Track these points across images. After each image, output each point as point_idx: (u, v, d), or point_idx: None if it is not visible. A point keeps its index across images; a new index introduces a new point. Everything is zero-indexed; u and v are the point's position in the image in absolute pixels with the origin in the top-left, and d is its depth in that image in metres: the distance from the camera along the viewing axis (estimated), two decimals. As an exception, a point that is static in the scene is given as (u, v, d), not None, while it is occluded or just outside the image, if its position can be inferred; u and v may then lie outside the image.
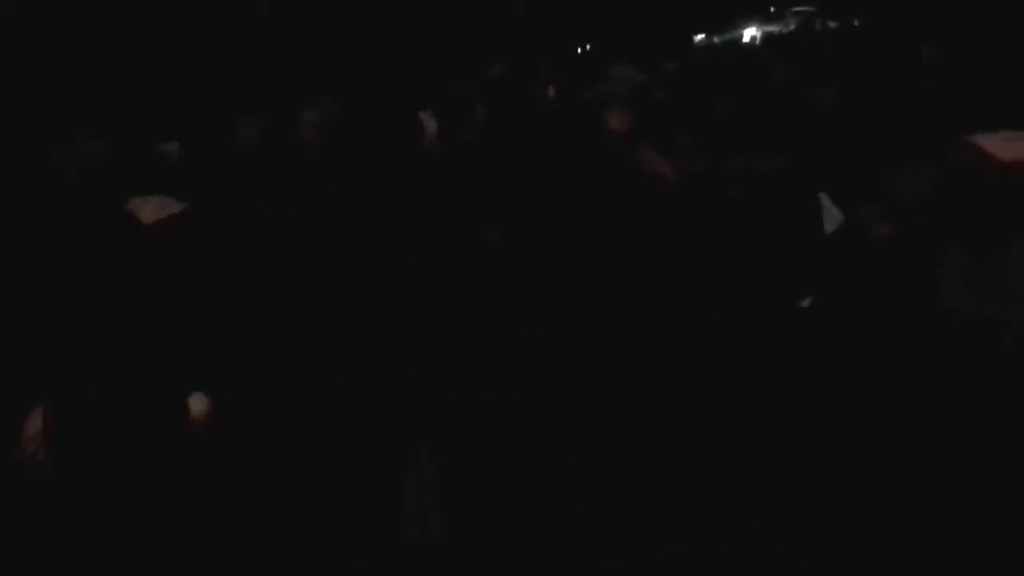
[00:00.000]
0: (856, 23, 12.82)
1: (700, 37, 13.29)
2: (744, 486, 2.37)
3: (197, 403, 2.51)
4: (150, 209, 2.84)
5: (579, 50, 12.65)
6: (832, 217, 3.26)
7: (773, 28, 15.12)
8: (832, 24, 13.48)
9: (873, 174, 2.66)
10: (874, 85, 4.63)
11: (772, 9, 17.08)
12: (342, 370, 2.63)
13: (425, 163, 3.51)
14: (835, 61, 6.18)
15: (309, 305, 2.78)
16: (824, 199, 3.25)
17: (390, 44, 8.25)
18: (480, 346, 2.72)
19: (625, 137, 3.05)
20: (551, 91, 7.16)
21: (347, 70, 6.68)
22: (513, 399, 2.63)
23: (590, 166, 3.04)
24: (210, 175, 3.39)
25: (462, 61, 8.50)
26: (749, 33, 14.54)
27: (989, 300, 1.18)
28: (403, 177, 3.19)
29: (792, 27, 14.72)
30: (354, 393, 2.58)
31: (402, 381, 2.63)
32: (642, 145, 3.06)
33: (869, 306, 2.24)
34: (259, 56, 7.39)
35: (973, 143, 3.16)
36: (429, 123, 4.46)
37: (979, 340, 1.17)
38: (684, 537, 2.37)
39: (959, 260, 1.26)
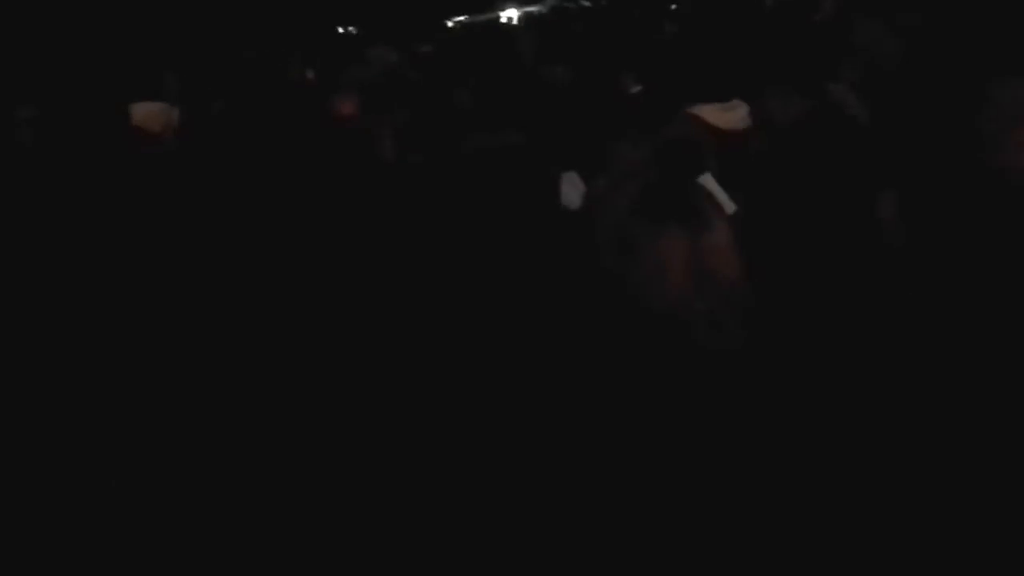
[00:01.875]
0: (605, 1, 13.34)
1: (460, 18, 13.40)
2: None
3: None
4: None
5: (340, 32, 12.42)
6: (579, 193, 3.36)
7: (531, 9, 15.46)
8: (586, 3, 13.95)
9: (601, 148, 2.76)
10: (613, 61, 4.82)
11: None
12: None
13: (158, 155, 3.34)
14: (580, 39, 6.40)
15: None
16: (572, 176, 3.34)
17: (119, 32, 7.74)
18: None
19: (354, 121, 3.00)
20: (309, 74, 7.00)
21: (65, 64, 6.21)
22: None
23: (322, 150, 2.98)
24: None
25: (214, 45, 8.13)
26: (507, 14, 14.79)
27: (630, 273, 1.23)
28: (121, 171, 3.00)
29: (549, 7, 15.10)
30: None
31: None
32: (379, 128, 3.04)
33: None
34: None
35: (692, 114, 3.36)
36: (169, 114, 4.23)
37: (627, 310, 1.22)
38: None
39: (624, 228, 1.31)
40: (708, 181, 2.97)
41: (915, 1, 5.31)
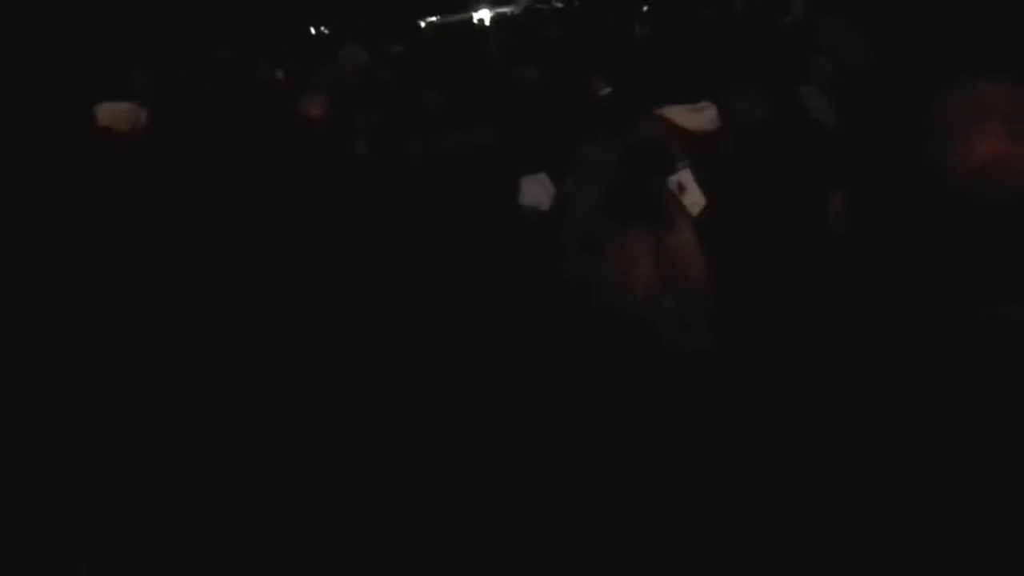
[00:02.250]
0: (577, 2, 13.38)
1: (432, 19, 13.38)
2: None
3: None
4: None
5: (313, 31, 12.36)
6: (549, 194, 3.37)
7: (504, 10, 15.49)
8: (558, 4, 13.98)
9: (571, 149, 2.76)
10: (584, 62, 4.83)
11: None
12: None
13: (126, 156, 3.30)
14: (551, 41, 6.40)
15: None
16: (542, 177, 3.34)
17: (86, 30, 7.65)
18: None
19: (323, 122, 2.99)
20: (279, 74, 6.95)
21: (28, 61, 6.13)
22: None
23: (291, 151, 2.96)
24: None
25: (183, 45, 8.06)
26: (480, 15, 14.80)
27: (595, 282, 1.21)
28: (88, 172, 2.97)
29: (521, 8, 15.14)
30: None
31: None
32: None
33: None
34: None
35: (661, 115, 3.37)
36: (138, 115, 4.19)
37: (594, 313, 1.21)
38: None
39: (585, 231, 1.29)
40: (685, 176, 2.99)
41: (883, 2, 5.36)
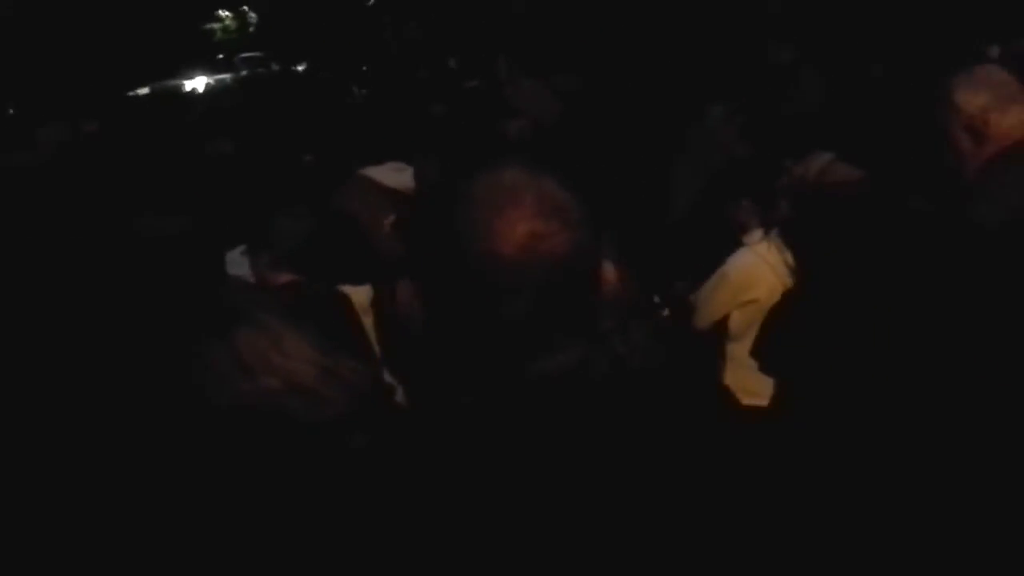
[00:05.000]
0: (303, 68, 13.35)
1: (145, 89, 12.73)
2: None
3: None
4: None
5: (6, 110, 11.38)
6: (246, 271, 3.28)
7: (223, 76, 15.11)
8: (276, 68, 13.85)
9: (265, 223, 2.72)
10: (291, 128, 4.80)
11: (220, 56, 17.11)
12: None
13: None
14: (257, 109, 6.32)
15: None
16: (236, 254, 3.24)
17: None
18: None
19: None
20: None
21: None
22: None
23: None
24: None
25: None
26: (196, 82, 14.34)
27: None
28: None
29: (242, 74, 14.86)
30: None
31: None
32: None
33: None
34: None
35: (364, 175, 3.44)
36: None
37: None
38: None
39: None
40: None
41: (573, 65, 5.75)
